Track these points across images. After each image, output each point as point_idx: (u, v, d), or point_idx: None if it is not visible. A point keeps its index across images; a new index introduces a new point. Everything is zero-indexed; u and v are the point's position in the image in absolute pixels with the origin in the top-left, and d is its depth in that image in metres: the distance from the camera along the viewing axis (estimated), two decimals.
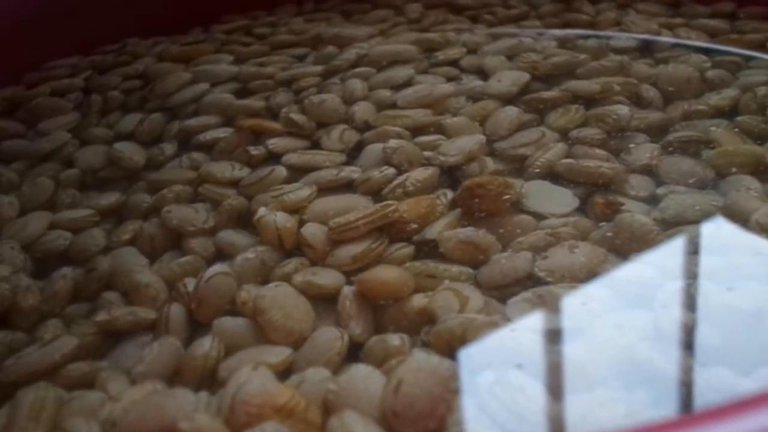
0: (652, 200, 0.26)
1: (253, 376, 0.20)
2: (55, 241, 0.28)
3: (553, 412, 0.18)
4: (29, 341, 0.24)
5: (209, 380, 0.21)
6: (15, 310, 0.25)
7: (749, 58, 0.34)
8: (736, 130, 0.29)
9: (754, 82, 0.31)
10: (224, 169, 0.30)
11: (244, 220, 0.28)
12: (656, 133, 0.30)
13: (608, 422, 0.18)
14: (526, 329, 0.21)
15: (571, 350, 0.20)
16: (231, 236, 0.27)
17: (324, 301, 0.24)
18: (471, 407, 0.19)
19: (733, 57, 0.34)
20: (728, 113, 0.30)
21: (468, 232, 0.25)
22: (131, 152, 0.32)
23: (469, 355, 0.20)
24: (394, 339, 0.21)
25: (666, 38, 0.36)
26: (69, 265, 0.27)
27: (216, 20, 0.45)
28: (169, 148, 0.33)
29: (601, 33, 0.38)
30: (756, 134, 0.29)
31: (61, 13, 0.42)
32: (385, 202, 0.26)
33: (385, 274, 0.24)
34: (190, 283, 0.24)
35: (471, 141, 0.29)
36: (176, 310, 0.24)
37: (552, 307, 0.22)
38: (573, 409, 0.18)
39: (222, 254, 0.26)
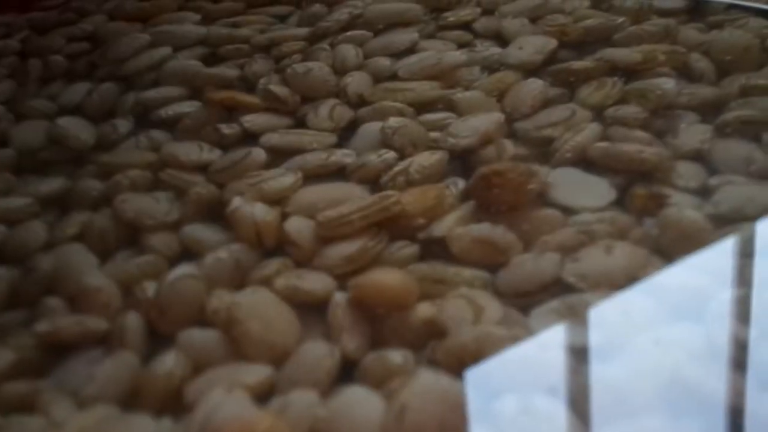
0: (704, 192, 0.26)
1: (226, 400, 0.20)
2: None
3: None
4: None
5: (173, 404, 0.21)
6: None
7: None
8: None
9: None
10: (190, 151, 0.30)
11: (215, 213, 0.28)
12: (709, 111, 0.30)
13: None
14: (553, 345, 0.21)
15: (607, 372, 0.20)
16: (199, 231, 0.27)
17: (311, 310, 0.24)
18: None
19: None
20: None
21: (484, 228, 0.25)
22: (78, 129, 0.32)
23: (485, 376, 0.20)
24: (396, 356, 0.21)
25: (719, 2, 0.36)
26: (3, 265, 0.27)
27: None
28: (123, 124, 0.33)
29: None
30: None
31: None
32: (384, 192, 0.26)
33: (386, 278, 0.24)
34: (150, 288, 0.25)
35: (487, 120, 0.29)
36: (133, 320, 0.24)
37: (584, 319, 0.22)
38: None
39: (188, 253, 0.26)
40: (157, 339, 0.24)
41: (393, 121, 0.29)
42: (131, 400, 0.21)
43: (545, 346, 0.21)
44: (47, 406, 0.21)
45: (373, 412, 0.19)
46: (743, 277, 0.23)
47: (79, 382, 0.22)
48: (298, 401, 0.20)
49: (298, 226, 0.26)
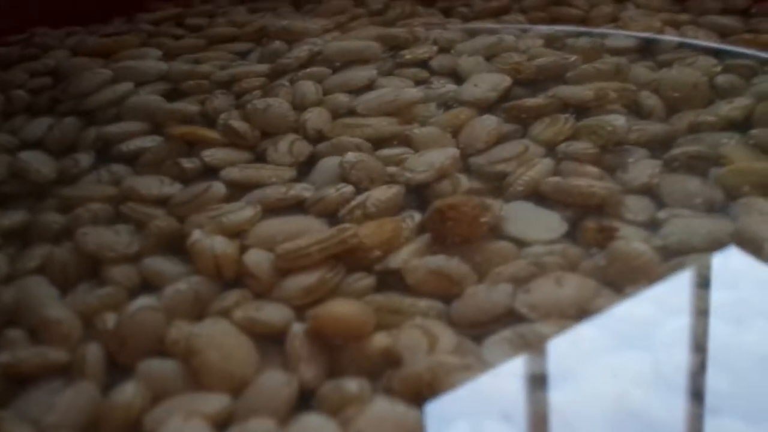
0: (652, 225, 0.27)
1: (184, 429, 0.21)
2: None
3: None
4: None
5: None
6: None
7: (765, 62, 0.35)
8: (751, 144, 0.30)
9: None
10: (151, 185, 0.31)
11: (175, 245, 0.28)
12: (658, 147, 0.31)
13: None
14: (505, 374, 0.22)
15: (558, 398, 0.21)
16: (159, 264, 0.27)
17: (269, 341, 0.24)
18: None
19: (747, 60, 0.35)
20: (741, 125, 0.31)
21: (439, 260, 0.26)
22: (39, 163, 0.33)
23: (440, 404, 0.21)
24: (352, 385, 0.22)
25: (670, 37, 0.38)
26: None
27: (141, 8, 0.46)
28: (84, 159, 0.33)
29: (594, 30, 0.39)
30: None
31: None
32: (342, 226, 0.27)
33: (343, 309, 0.24)
34: (111, 319, 0.25)
35: (442, 155, 0.30)
36: (94, 351, 0.24)
37: (536, 348, 0.22)
38: None
39: (148, 285, 0.27)
40: (117, 369, 0.24)
41: (351, 156, 0.30)
42: (91, 429, 0.22)
43: (498, 374, 0.22)
44: None
45: None
46: (692, 307, 0.23)
47: (39, 412, 0.22)
48: (256, 429, 0.21)
49: (257, 259, 0.26)
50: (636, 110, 0.33)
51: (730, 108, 0.32)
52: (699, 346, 0.22)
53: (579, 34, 0.39)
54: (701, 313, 0.23)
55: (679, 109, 0.33)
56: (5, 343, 0.25)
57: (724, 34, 0.38)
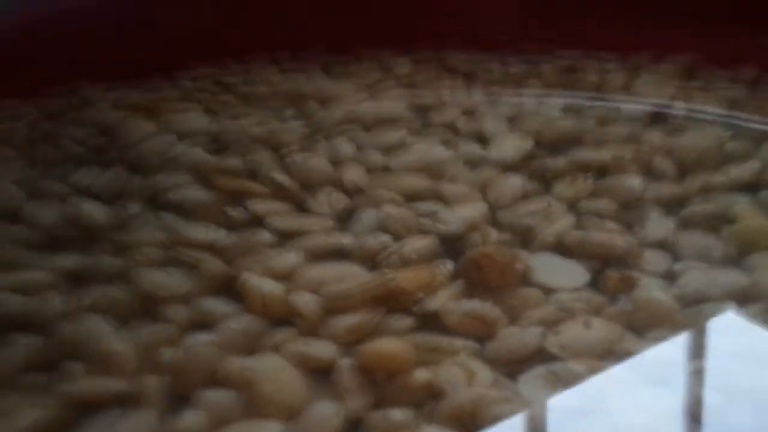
0: (670, 276, 0.29)
1: None
2: (6, 306, 0.30)
3: None
4: None
5: None
6: None
7: None
8: (762, 203, 0.32)
9: None
10: (199, 231, 0.32)
11: (224, 287, 0.30)
12: (672, 206, 0.33)
13: None
14: (540, 406, 0.24)
15: (588, 430, 0.23)
16: (210, 304, 0.29)
17: (317, 374, 0.26)
18: None
19: (756, 126, 0.38)
20: (751, 187, 0.34)
21: (474, 304, 0.28)
22: (90, 209, 0.34)
23: None
24: (398, 414, 0.24)
25: (680, 109, 0.40)
26: (21, 332, 0.29)
27: (180, 66, 0.48)
28: (133, 206, 0.35)
29: (608, 98, 0.41)
30: None
31: None
32: (381, 270, 0.29)
33: (387, 346, 0.26)
34: (168, 353, 0.27)
35: (472, 210, 0.32)
36: (153, 381, 0.26)
37: (569, 383, 0.24)
38: None
39: (200, 323, 0.28)
40: (175, 399, 0.25)
41: (387, 208, 0.32)
42: None
43: (535, 406, 0.23)
44: None
45: None
46: (711, 351, 0.25)
47: None
48: None
49: (304, 300, 0.28)
50: (650, 172, 0.35)
51: (741, 171, 0.34)
52: (721, 386, 0.24)
53: (594, 103, 0.41)
54: (719, 356, 0.25)
55: (691, 171, 0.35)
56: (65, 375, 0.27)
57: (732, 103, 0.40)
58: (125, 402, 0.26)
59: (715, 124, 0.38)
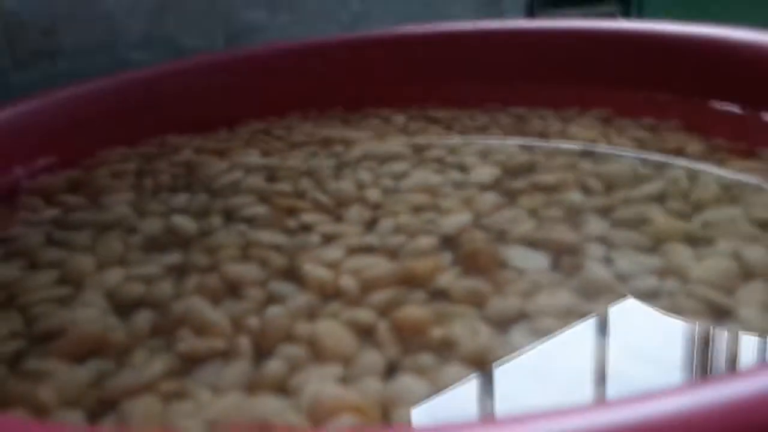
0: (607, 261, 0.30)
1: (318, 385, 0.23)
2: (131, 290, 0.30)
3: None
4: (118, 368, 0.26)
5: (280, 391, 0.24)
6: (104, 343, 0.27)
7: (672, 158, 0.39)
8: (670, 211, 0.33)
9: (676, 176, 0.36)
10: (266, 236, 0.33)
11: (287, 275, 0.30)
12: (604, 212, 0.34)
13: None
14: (523, 351, 0.24)
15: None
16: (278, 286, 0.30)
17: (362, 334, 0.26)
18: None
19: (657, 158, 0.39)
20: (658, 199, 0.34)
21: (470, 282, 0.28)
22: (184, 222, 0.35)
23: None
24: (424, 358, 0.24)
25: (602, 147, 0.41)
26: (144, 309, 0.29)
27: (237, 123, 0.49)
28: (215, 220, 0.35)
29: (550, 140, 0.42)
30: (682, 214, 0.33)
31: (107, 111, 0.45)
32: (401, 261, 0.29)
33: (413, 311, 0.27)
34: (251, 321, 0.27)
35: (462, 218, 0.33)
36: (243, 342, 0.26)
37: (543, 335, 0.25)
38: None
39: (272, 300, 0.29)
40: (260, 355, 0.26)
41: (401, 217, 0.33)
42: (251, 391, 0.24)
43: (520, 351, 0.24)
44: (195, 393, 0.24)
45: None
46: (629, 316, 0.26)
47: (213, 381, 0.24)
48: (365, 384, 0.23)
49: (348, 282, 0.29)
50: (585, 189, 0.36)
51: (650, 188, 0.35)
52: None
53: (540, 141, 0.42)
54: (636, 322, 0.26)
55: (614, 189, 0.36)
56: (179, 339, 0.27)
57: (640, 142, 0.41)
58: (225, 356, 0.26)
59: (629, 157, 0.39)
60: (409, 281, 0.29)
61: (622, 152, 0.40)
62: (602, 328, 0.26)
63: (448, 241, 0.32)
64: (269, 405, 0.22)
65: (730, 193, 0.35)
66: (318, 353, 0.25)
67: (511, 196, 0.35)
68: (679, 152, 0.39)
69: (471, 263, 0.29)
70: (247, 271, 0.31)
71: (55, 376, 0.25)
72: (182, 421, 0.22)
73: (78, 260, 0.32)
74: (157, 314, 0.29)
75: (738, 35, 0.44)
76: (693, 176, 0.37)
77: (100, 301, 0.29)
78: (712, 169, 0.37)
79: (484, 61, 0.50)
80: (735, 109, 0.43)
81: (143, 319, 0.28)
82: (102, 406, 0.23)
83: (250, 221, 0.35)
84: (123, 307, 0.30)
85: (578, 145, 0.41)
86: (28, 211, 0.38)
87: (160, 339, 0.28)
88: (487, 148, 0.41)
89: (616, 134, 0.42)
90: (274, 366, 0.24)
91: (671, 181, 0.36)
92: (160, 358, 0.26)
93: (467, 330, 0.26)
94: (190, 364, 0.26)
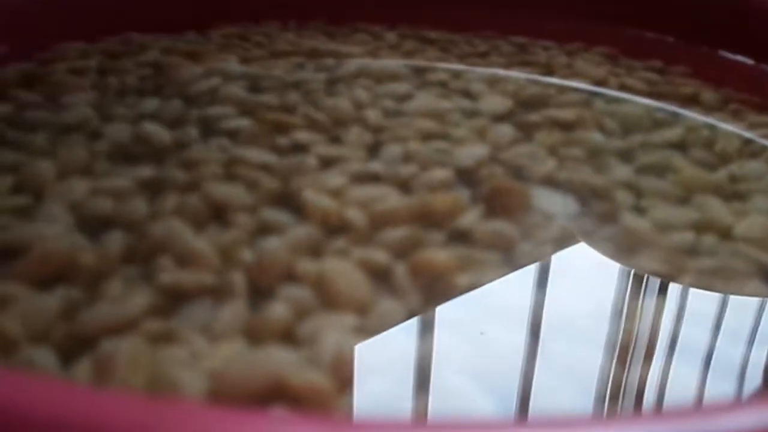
0: (639, 210, 0.26)
1: (336, 336, 0.19)
2: (100, 206, 0.25)
3: None
4: (88, 298, 0.21)
5: (289, 338, 0.19)
6: (73, 267, 0.22)
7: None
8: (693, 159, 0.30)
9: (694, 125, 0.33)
10: (254, 154, 0.28)
11: (281, 201, 0.26)
12: (624, 156, 0.30)
13: None
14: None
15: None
16: (272, 214, 0.25)
17: (375, 277, 0.22)
18: None
19: (670, 105, 0.35)
20: (678, 147, 0.31)
21: (495, 224, 0.24)
22: (157, 130, 0.30)
23: None
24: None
25: (613, 85, 0.37)
26: (115, 229, 0.24)
27: (208, 26, 0.42)
28: (193, 131, 0.30)
29: (557, 74, 0.38)
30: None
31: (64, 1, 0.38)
32: (415, 194, 0.25)
33: (436, 255, 0.23)
34: (244, 253, 0.23)
35: (479, 150, 0.29)
36: (236, 277, 0.22)
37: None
38: None
39: (266, 229, 0.24)
40: (256, 295, 0.21)
41: (410, 143, 0.29)
42: (253, 337, 0.19)
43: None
44: (186, 338, 0.19)
45: None
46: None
47: (202, 324, 0.20)
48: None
49: (356, 214, 0.24)
50: (602, 129, 0.32)
51: (670, 134, 0.32)
52: None
53: (546, 75, 0.38)
54: None
55: (631, 132, 0.32)
56: (158, 268, 0.23)
57: (651, 84, 0.37)
58: (215, 294, 0.21)
59: (641, 100, 0.36)
60: (425, 219, 0.25)
61: (634, 94, 0.36)
62: (644, 285, 0.22)
63: (465, 175, 0.28)
64: (279, 357, 0.18)
65: (750, 147, 0.32)
66: (327, 298, 0.21)
67: (526, 131, 0.31)
68: (693, 100, 0.36)
69: (495, 203, 0.25)
70: (234, 192, 0.26)
71: (17, 303, 0.20)
72: (178, 372, 0.17)
73: (36, 165, 0.26)
74: (130, 237, 0.24)
75: None
76: (711, 126, 0.34)
77: (64, 216, 0.24)
78: (728, 121, 0.34)
79: None
80: (748, 60, 0.40)
81: (115, 240, 0.23)
82: (74, 344, 0.19)
83: (233, 135, 0.30)
84: (90, 224, 0.24)
85: (587, 82, 0.37)
86: None
87: (136, 267, 0.23)
88: (493, 76, 0.37)
89: (625, 74, 0.39)
90: (279, 310, 0.20)
91: (690, 128, 0.33)
92: (140, 291, 0.21)
93: (494, 278, 0.22)
94: (173, 300, 0.21)
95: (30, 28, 0.36)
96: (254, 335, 0.19)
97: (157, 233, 0.24)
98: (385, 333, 0.20)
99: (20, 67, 0.34)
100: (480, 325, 0.20)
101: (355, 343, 0.19)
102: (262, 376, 0.17)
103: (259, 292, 0.22)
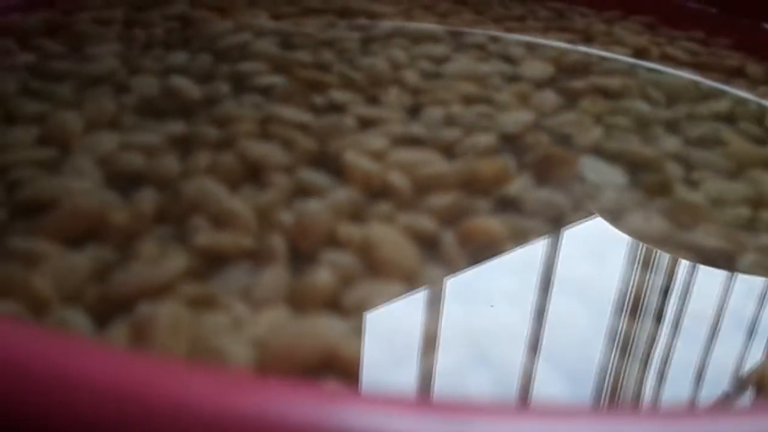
0: (691, 183, 0.25)
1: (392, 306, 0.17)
2: (130, 162, 0.23)
3: None
4: (121, 259, 0.20)
5: (334, 307, 0.18)
6: (103, 224, 0.21)
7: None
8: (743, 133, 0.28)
9: (741, 97, 0.31)
10: (289, 112, 0.26)
11: (319, 162, 0.24)
12: (670, 127, 0.28)
13: None
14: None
15: None
16: (310, 175, 0.23)
17: (420, 244, 0.21)
18: None
19: (714, 76, 0.33)
20: (726, 119, 0.29)
21: (545, 193, 0.23)
22: (187, 85, 0.28)
23: None
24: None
25: (654, 55, 0.35)
26: (147, 187, 0.22)
27: None
28: (224, 87, 0.28)
29: (596, 41, 0.36)
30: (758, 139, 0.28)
31: None
32: (459, 159, 0.24)
33: (486, 223, 0.21)
34: (283, 215, 0.21)
35: (524, 115, 0.27)
36: (276, 241, 0.20)
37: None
38: None
39: (304, 191, 0.23)
40: (297, 259, 0.20)
41: (452, 107, 0.27)
42: (296, 303, 0.18)
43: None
44: (228, 304, 0.18)
45: None
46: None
47: (242, 289, 0.18)
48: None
49: (399, 178, 0.23)
50: (646, 99, 0.31)
51: (717, 106, 0.30)
52: None
53: (585, 42, 0.36)
54: None
55: (676, 102, 0.31)
56: (192, 229, 0.21)
57: (693, 54, 0.36)
58: (253, 257, 0.20)
59: (684, 70, 0.34)
60: (471, 185, 0.23)
61: (676, 64, 0.34)
62: (712, 262, 0.21)
63: (510, 142, 0.26)
64: (328, 326, 0.17)
65: None
66: (373, 264, 0.19)
67: (570, 98, 0.29)
68: (739, 72, 0.34)
69: (544, 170, 0.24)
70: (270, 151, 0.24)
71: (48, 260, 0.18)
72: (222, 340, 0.16)
73: (62, 117, 0.25)
74: (162, 195, 0.22)
75: None
76: (758, 100, 0.32)
77: (92, 171, 0.22)
78: None
79: None
80: None
81: (147, 198, 0.22)
82: (109, 306, 0.17)
83: (266, 92, 0.28)
84: (120, 181, 0.23)
85: (627, 49, 0.35)
86: None
87: (169, 226, 0.21)
88: (532, 41, 0.35)
89: (666, 43, 0.37)
90: (323, 276, 0.19)
91: (737, 101, 0.31)
92: (175, 252, 0.20)
93: (547, 250, 0.20)
94: (211, 263, 0.20)
95: None
96: (298, 302, 0.18)
97: (191, 192, 0.22)
98: (436, 303, 0.18)
99: (43, 15, 0.32)
100: (534, 297, 0.18)
101: (406, 314, 0.17)
102: (311, 347, 0.16)
103: (301, 257, 0.20)
